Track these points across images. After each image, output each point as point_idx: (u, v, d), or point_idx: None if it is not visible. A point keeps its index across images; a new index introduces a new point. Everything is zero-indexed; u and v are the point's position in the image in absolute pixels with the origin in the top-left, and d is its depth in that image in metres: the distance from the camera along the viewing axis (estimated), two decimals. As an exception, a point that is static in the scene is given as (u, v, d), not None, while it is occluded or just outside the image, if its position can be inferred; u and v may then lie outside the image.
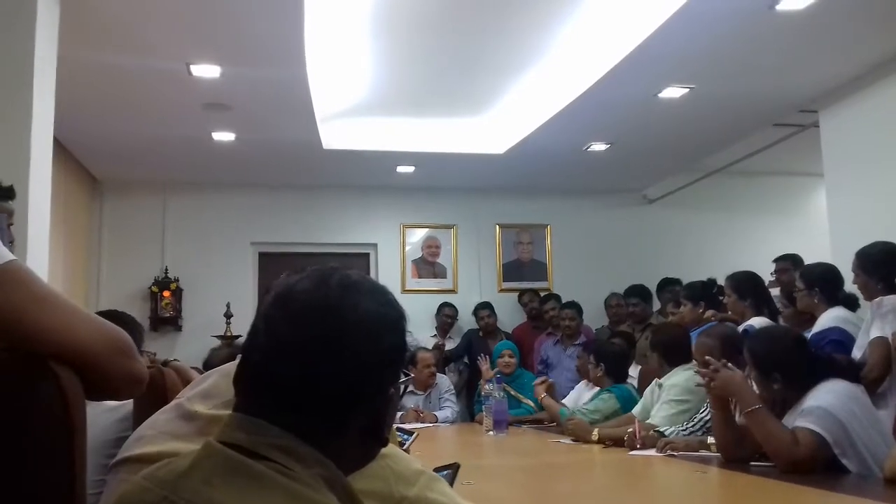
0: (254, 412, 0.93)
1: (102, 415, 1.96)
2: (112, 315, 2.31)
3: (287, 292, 0.99)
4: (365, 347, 0.95)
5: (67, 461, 1.08)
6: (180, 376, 2.03)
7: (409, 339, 5.83)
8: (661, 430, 3.30)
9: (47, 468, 1.06)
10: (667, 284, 6.55)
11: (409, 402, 5.40)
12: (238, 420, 0.93)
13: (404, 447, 3.37)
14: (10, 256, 1.08)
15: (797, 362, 2.60)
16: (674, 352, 3.76)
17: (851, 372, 2.73)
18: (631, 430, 3.33)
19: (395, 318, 1.02)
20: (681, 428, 3.30)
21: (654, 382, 3.84)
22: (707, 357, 2.78)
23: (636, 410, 3.85)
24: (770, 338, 2.81)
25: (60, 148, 5.56)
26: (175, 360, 2.23)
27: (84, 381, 1.11)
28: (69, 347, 1.08)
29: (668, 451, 3.03)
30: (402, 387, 1.06)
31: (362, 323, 0.96)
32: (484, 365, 5.36)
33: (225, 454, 0.89)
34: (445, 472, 1.62)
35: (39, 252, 3.42)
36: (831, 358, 2.81)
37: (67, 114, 4.30)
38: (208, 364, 4.33)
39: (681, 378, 3.63)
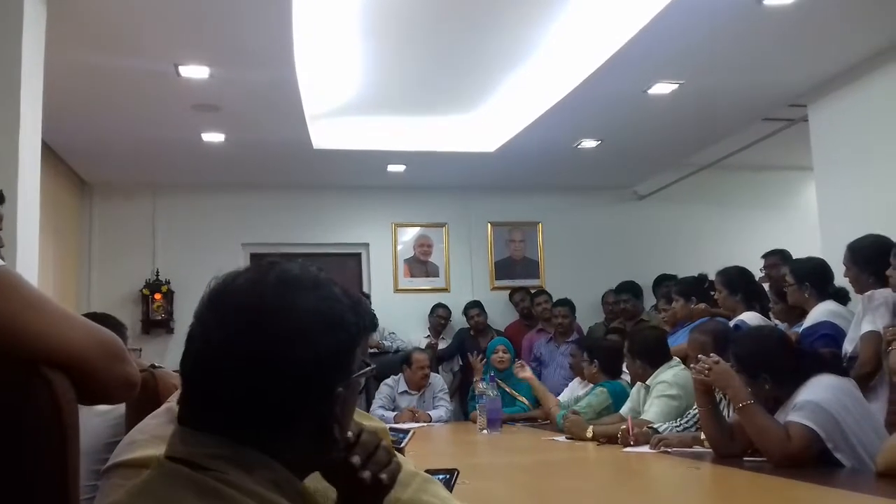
0: (194, 423, 0.89)
1: (94, 419, 1.95)
2: (94, 317, 2.30)
3: (221, 291, 0.93)
4: (303, 351, 0.89)
5: (60, 466, 1.08)
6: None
7: (398, 340, 5.83)
8: (655, 426, 3.31)
9: (40, 473, 1.06)
10: (663, 280, 6.60)
11: (404, 402, 5.40)
12: (180, 433, 0.90)
13: (401, 446, 3.37)
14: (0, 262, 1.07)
15: (783, 360, 2.61)
16: (653, 354, 3.78)
17: (837, 366, 2.73)
18: (624, 426, 3.33)
19: (338, 315, 0.94)
20: (674, 424, 3.31)
21: (638, 384, 3.85)
22: (701, 356, 2.79)
23: (624, 410, 3.86)
24: (754, 339, 2.82)
25: (49, 151, 5.53)
26: (159, 366, 2.21)
27: (77, 385, 1.11)
28: (63, 353, 1.08)
29: (662, 448, 3.03)
30: (361, 381, 0.99)
31: (299, 325, 0.90)
32: (476, 364, 5.35)
33: (170, 469, 0.87)
34: (443, 477, 1.61)
35: (29, 256, 3.40)
36: (816, 353, 2.82)
37: (55, 116, 4.27)
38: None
39: (668, 375, 3.65)
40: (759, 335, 2.91)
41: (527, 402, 5.28)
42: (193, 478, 0.84)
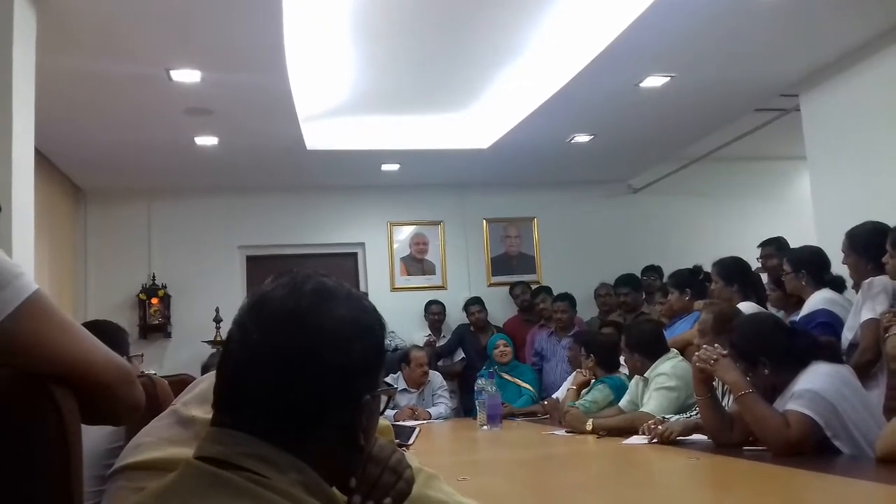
0: (229, 424, 0.92)
1: (93, 426, 1.95)
2: (95, 325, 2.30)
3: (261, 299, 0.98)
4: (335, 355, 0.93)
5: (64, 478, 1.09)
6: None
7: (396, 339, 5.81)
8: (664, 416, 3.30)
9: (46, 489, 1.07)
10: (647, 271, 6.83)
11: (403, 400, 5.41)
12: (214, 434, 0.93)
13: (409, 442, 3.38)
14: (35, 286, 1.11)
15: (781, 344, 2.62)
16: (651, 347, 3.78)
17: (834, 353, 2.74)
18: (651, 422, 3.20)
19: (368, 325, 1.00)
20: (685, 416, 3.30)
21: (636, 377, 3.85)
22: (705, 346, 2.80)
23: (623, 402, 3.86)
24: (751, 325, 2.83)
25: (42, 158, 5.52)
26: (153, 373, 2.22)
27: (92, 407, 1.14)
28: (89, 377, 1.12)
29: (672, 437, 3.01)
30: (385, 397, 1.04)
31: (332, 330, 0.95)
32: None
33: (200, 469, 0.89)
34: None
35: (24, 265, 3.39)
36: (812, 335, 2.83)
37: (48, 123, 4.27)
38: (207, 368, 4.32)
39: (666, 367, 3.66)
40: (756, 321, 2.92)
41: (532, 389, 5.41)
42: (226, 477, 0.86)
